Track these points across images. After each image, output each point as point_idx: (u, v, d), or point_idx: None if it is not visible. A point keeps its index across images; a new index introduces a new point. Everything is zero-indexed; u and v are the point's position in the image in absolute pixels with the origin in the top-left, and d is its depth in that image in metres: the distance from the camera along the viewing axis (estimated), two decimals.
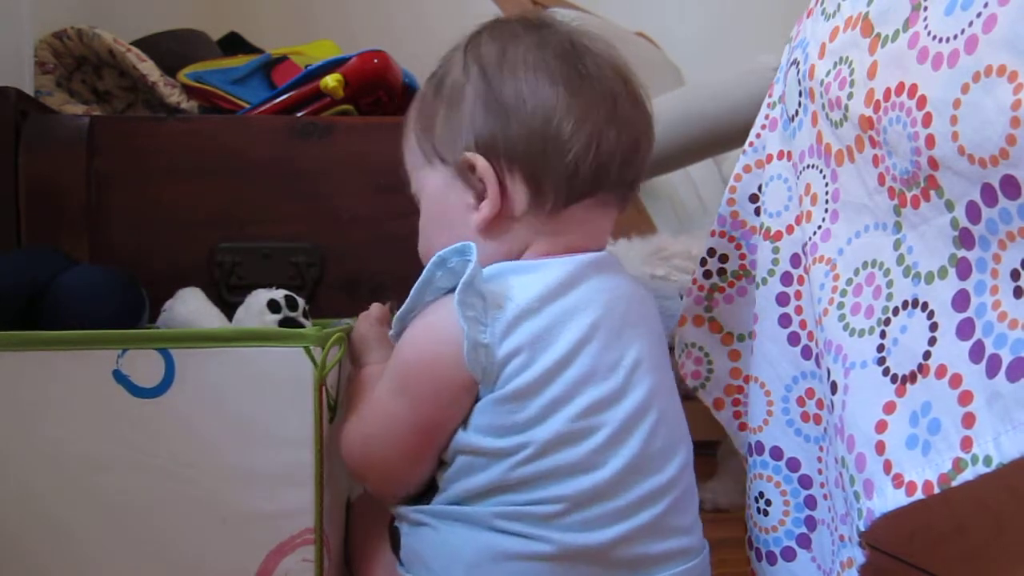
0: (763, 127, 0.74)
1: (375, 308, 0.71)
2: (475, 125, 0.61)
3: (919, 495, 0.48)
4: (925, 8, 0.52)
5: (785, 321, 0.69)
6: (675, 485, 0.60)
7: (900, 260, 0.54)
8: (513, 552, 0.56)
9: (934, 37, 0.50)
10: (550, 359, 0.57)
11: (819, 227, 0.63)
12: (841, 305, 0.59)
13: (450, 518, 0.58)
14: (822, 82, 0.62)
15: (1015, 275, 0.45)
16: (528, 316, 0.57)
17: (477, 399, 0.57)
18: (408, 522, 0.61)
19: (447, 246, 0.58)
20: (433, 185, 0.64)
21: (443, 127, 0.63)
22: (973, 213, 0.47)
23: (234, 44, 1.31)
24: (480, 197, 0.61)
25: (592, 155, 0.60)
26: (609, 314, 0.60)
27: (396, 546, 0.62)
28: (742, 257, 0.77)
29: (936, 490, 0.47)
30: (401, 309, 0.60)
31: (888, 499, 0.50)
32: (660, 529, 0.59)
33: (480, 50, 0.63)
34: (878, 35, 0.56)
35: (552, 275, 0.59)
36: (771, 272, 0.70)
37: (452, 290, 0.57)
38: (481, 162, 0.60)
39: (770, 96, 0.73)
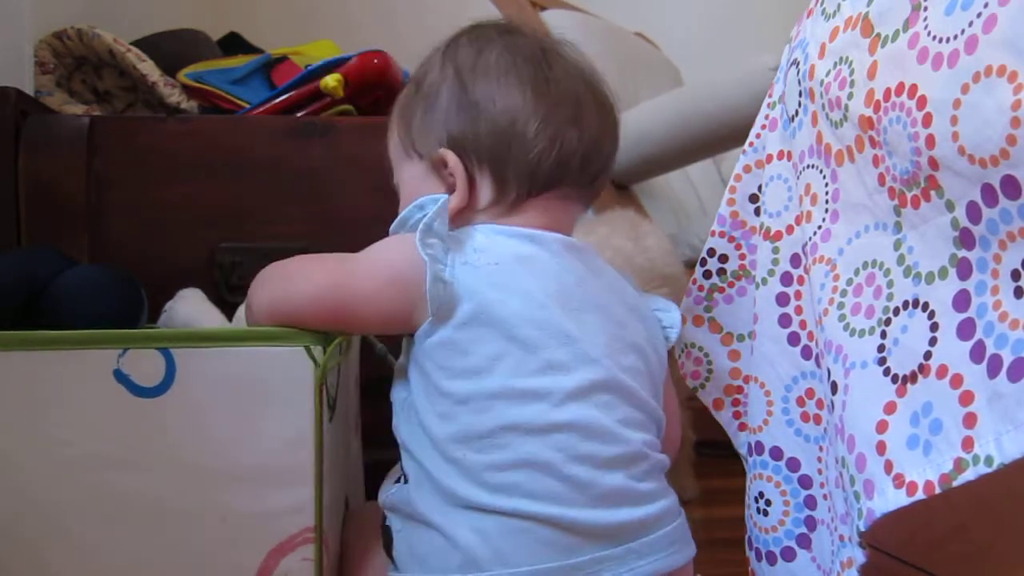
0: (763, 127, 0.74)
1: None
2: (448, 123, 0.66)
3: (920, 495, 0.48)
4: (925, 8, 0.52)
5: (785, 321, 0.69)
6: (642, 455, 0.60)
7: (900, 260, 0.54)
8: (503, 527, 0.56)
9: (934, 37, 0.50)
10: (505, 310, 0.59)
11: (819, 227, 0.63)
12: (841, 305, 0.59)
13: (437, 512, 0.58)
14: (822, 82, 0.62)
15: (1016, 275, 0.45)
16: (488, 263, 0.60)
17: (411, 334, 0.60)
18: (400, 516, 0.61)
19: None
20: (410, 177, 0.69)
21: (420, 124, 0.68)
22: (973, 213, 0.47)
23: (234, 44, 1.31)
24: (450, 190, 0.65)
25: (554, 153, 0.64)
26: (570, 290, 0.62)
27: (388, 545, 0.62)
28: (742, 257, 0.77)
29: (937, 490, 0.47)
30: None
31: (889, 499, 0.50)
32: (630, 497, 0.59)
33: (457, 53, 0.68)
34: (878, 35, 0.56)
35: (516, 235, 0.63)
36: (771, 272, 0.70)
37: None
38: (452, 158, 0.65)
39: (770, 96, 0.73)
